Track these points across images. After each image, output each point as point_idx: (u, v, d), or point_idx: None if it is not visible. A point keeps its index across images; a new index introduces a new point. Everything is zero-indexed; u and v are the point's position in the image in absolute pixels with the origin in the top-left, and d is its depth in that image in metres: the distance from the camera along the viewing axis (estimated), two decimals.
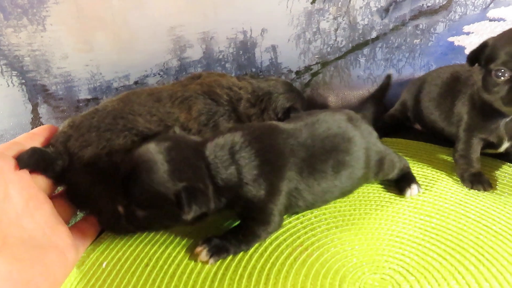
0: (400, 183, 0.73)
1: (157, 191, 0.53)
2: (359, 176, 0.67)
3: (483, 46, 0.70)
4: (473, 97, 0.76)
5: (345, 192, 0.69)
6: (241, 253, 0.61)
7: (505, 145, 0.77)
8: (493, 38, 0.70)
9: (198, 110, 0.70)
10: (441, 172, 0.80)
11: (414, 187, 0.71)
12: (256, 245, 0.62)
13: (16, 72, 0.77)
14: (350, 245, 0.61)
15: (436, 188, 0.74)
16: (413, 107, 0.90)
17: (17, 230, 0.49)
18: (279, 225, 0.63)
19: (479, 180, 0.73)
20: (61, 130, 0.62)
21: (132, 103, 0.66)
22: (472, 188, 0.73)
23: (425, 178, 0.78)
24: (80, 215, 0.66)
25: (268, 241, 0.63)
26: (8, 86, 0.77)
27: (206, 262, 0.58)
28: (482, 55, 0.70)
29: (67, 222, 0.60)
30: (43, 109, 0.82)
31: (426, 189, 0.74)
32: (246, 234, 0.61)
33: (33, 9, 0.72)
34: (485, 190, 0.72)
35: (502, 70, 0.66)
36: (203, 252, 0.58)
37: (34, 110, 0.82)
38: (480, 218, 0.66)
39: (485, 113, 0.73)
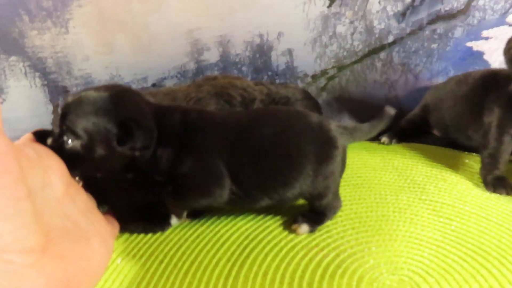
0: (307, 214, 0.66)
1: (99, 116, 0.49)
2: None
3: None
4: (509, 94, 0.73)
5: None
6: (256, 252, 0.60)
7: None
8: None
9: (210, 104, 0.73)
10: (460, 175, 0.78)
11: (304, 225, 0.64)
12: (271, 245, 0.62)
13: (39, 73, 0.79)
14: (367, 246, 0.60)
15: (456, 191, 0.73)
16: (435, 112, 0.89)
17: (60, 219, 0.45)
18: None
19: (502, 184, 0.71)
20: None
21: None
22: (494, 191, 0.71)
23: (444, 182, 0.76)
24: None
25: (283, 242, 0.62)
26: (31, 87, 0.79)
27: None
28: None
29: None
30: None
31: (445, 192, 0.73)
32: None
33: (57, 12, 0.75)
34: (508, 194, 0.70)
35: None
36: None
37: (55, 111, 0.84)
38: (503, 221, 0.64)
39: None
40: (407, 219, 0.66)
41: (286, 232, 0.64)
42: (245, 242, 0.62)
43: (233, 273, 0.56)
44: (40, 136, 0.49)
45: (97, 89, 0.52)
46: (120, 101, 0.51)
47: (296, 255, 0.59)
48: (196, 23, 0.80)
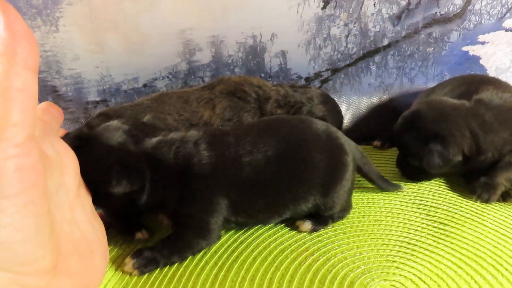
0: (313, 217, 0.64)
1: (92, 162, 0.49)
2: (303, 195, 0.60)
3: None
4: None
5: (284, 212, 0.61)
6: (244, 256, 0.58)
7: None
8: None
9: (222, 107, 0.73)
10: (455, 180, 0.76)
11: (307, 222, 0.63)
12: (260, 248, 0.60)
13: None
14: (359, 251, 0.58)
15: (450, 196, 0.71)
16: None
17: (70, 228, 0.41)
18: (218, 238, 0.58)
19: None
20: (96, 115, 0.66)
21: (164, 104, 0.71)
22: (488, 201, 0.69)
23: (439, 186, 0.74)
24: None
25: (272, 245, 0.60)
26: None
27: (131, 274, 0.54)
28: None
29: None
30: None
31: (439, 197, 0.71)
32: (179, 243, 0.56)
33: (47, 10, 0.73)
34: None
35: None
36: (129, 263, 0.54)
37: None
38: (498, 227, 0.63)
39: None
40: (400, 224, 0.64)
41: (275, 236, 0.62)
42: (234, 245, 0.61)
43: (220, 277, 0.54)
44: None
45: (101, 129, 0.53)
46: (107, 146, 0.51)
47: (285, 259, 0.57)
48: (188, 23, 0.79)
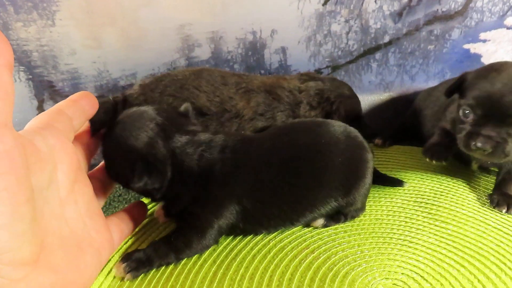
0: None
1: (118, 150, 0.52)
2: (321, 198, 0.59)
3: (462, 81, 0.68)
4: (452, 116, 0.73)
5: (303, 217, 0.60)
6: (243, 254, 0.57)
7: (474, 166, 0.75)
8: (472, 73, 0.67)
9: (257, 102, 0.72)
10: (457, 178, 0.76)
11: (321, 220, 0.62)
12: (260, 246, 0.59)
13: (23, 67, 0.77)
14: (360, 249, 0.57)
15: (452, 195, 0.70)
16: (422, 117, 0.88)
17: (58, 224, 0.41)
18: (215, 243, 0.57)
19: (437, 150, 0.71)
20: (132, 88, 0.68)
21: (201, 79, 0.70)
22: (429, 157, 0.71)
23: (440, 185, 0.74)
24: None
25: (272, 243, 0.59)
26: (15, 81, 0.77)
27: (123, 278, 0.52)
28: (461, 88, 0.68)
29: (101, 205, 0.54)
30: (48, 106, 0.81)
31: (441, 195, 0.70)
32: (179, 240, 0.55)
33: (43, 3, 0.72)
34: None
35: (466, 112, 0.64)
36: (120, 268, 0.52)
37: (40, 107, 0.81)
38: (501, 225, 0.62)
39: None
40: (402, 222, 0.63)
41: (275, 233, 0.61)
42: (233, 243, 0.60)
43: (219, 275, 0.53)
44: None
45: (135, 116, 0.53)
46: (135, 140, 0.51)
47: (285, 257, 0.56)
48: (187, 18, 0.78)
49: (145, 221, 0.64)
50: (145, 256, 0.53)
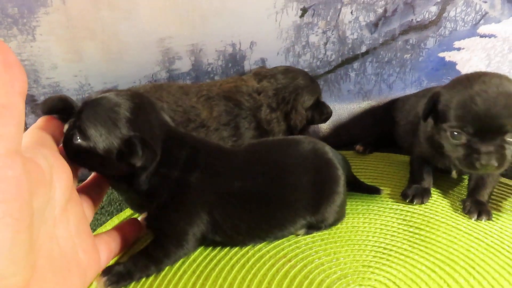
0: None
1: (108, 127, 0.49)
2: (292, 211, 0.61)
3: (434, 101, 0.67)
4: (428, 133, 0.73)
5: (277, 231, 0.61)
6: (222, 264, 0.58)
7: (454, 174, 0.77)
8: (443, 93, 0.66)
9: (219, 111, 0.74)
10: (432, 186, 0.78)
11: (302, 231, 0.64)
12: (238, 255, 0.60)
13: None
14: (336, 257, 0.59)
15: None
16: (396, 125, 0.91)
17: (50, 243, 0.40)
18: (195, 248, 0.59)
19: (421, 194, 0.72)
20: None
21: (162, 91, 0.72)
22: (412, 201, 0.71)
23: None
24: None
25: (251, 252, 0.61)
26: None
27: None
28: (434, 111, 0.68)
29: (89, 223, 0.52)
30: (30, 120, 0.81)
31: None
32: (157, 251, 0.56)
33: (23, 19, 0.73)
34: (422, 203, 0.71)
35: (456, 133, 0.64)
36: (100, 281, 0.52)
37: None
38: (472, 231, 0.64)
39: (438, 150, 0.71)
40: (377, 229, 0.65)
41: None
42: (212, 253, 0.61)
43: (197, 286, 0.54)
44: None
45: (119, 95, 0.51)
46: (133, 116, 0.50)
47: (263, 266, 0.58)
48: (167, 31, 0.79)
49: None
50: (125, 269, 0.54)
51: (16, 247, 0.31)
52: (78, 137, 0.49)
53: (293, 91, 0.78)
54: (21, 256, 0.32)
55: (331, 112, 0.85)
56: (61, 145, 0.51)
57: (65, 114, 0.54)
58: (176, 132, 0.57)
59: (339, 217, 0.65)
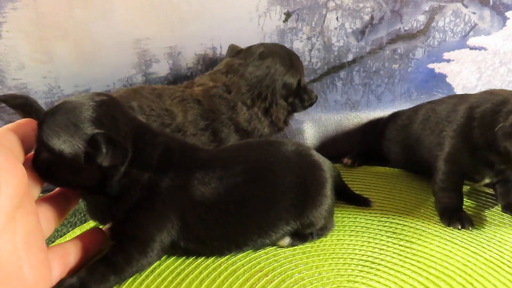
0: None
1: (69, 131, 0.45)
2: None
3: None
4: (468, 134, 0.67)
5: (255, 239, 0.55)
6: (190, 278, 0.52)
7: (486, 181, 0.71)
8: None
9: (194, 114, 0.69)
10: (422, 197, 0.72)
11: (287, 238, 0.58)
12: (209, 269, 0.54)
13: None
14: (318, 271, 0.53)
15: (417, 213, 0.67)
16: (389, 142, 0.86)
17: None
18: (158, 258, 0.53)
19: (458, 217, 0.63)
20: None
21: (136, 94, 0.66)
22: (448, 225, 0.63)
23: (405, 203, 0.70)
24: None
25: (224, 266, 0.54)
26: None
27: None
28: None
29: (47, 236, 0.48)
30: None
31: (407, 214, 0.67)
32: (117, 256, 0.50)
33: None
34: (463, 227, 0.62)
35: None
36: None
37: None
38: (469, 244, 0.58)
39: (480, 152, 0.65)
40: (364, 242, 0.59)
41: (228, 255, 0.56)
42: (180, 267, 0.54)
43: None
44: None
45: (79, 96, 0.48)
46: (95, 114, 0.46)
47: (236, 281, 0.51)
48: (144, 32, 0.75)
49: None
50: (78, 280, 0.47)
51: None
52: (43, 152, 0.45)
53: (270, 84, 0.72)
54: None
55: (316, 98, 0.79)
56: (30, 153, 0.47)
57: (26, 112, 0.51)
58: (148, 128, 0.53)
59: (327, 224, 0.60)
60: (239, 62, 0.74)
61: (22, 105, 0.60)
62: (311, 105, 0.79)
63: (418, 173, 0.80)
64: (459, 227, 0.62)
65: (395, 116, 0.88)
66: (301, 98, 0.77)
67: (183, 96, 0.69)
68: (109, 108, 0.48)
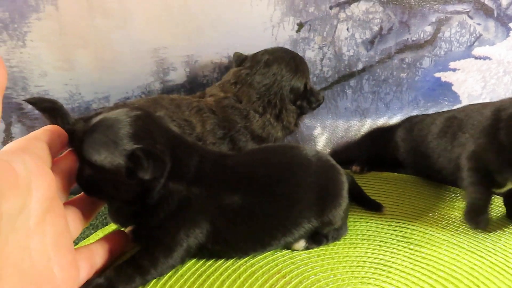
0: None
1: (109, 148, 0.47)
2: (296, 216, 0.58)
3: None
4: (495, 135, 0.67)
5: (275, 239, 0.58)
6: (211, 280, 0.55)
7: (509, 186, 0.70)
8: None
9: (212, 124, 0.71)
10: (430, 203, 0.75)
11: (301, 241, 0.61)
12: (229, 271, 0.56)
13: None
14: (333, 273, 0.55)
15: (426, 218, 0.70)
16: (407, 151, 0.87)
17: (21, 255, 0.37)
18: (183, 262, 0.55)
19: (482, 217, 0.64)
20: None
21: (156, 105, 0.68)
22: (475, 228, 0.65)
23: (414, 208, 0.73)
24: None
25: (243, 268, 0.57)
26: None
27: None
28: None
29: (74, 237, 0.50)
30: (16, 129, 0.78)
31: (416, 219, 0.69)
32: (144, 259, 0.52)
33: (14, 24, 0.71)
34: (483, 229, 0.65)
35: None
36: None
37: (7, 129, 0.78)
38: (475, 249, 0.61)
39: (506, 154, 0.65)
40: (376, 246, 0.62)
41: (246, 258, 0.59)
42: (202, 269, 0.57)
43: None
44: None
45: (115, 114, 0.50)
46: (133, 130, 0.48)
47: (256, 282, 0.54)
48: (162, 41, 0.78)
49: None
50: (106, 281, 0.50)
51: None
52: (86, 169, 0.49)
53: (278, 91, 0.75)
54: None
55: (323, 99, 0.80)
56: (59, 156, 0.50)
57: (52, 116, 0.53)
58: (182, 138, 0.56)
59: (343, 225, 0.63)
60: (246, 72, 0.75)
61: (49, 108, 0.62)
62: (319, 105, 0.80)
63: (437, 181, 0.81)
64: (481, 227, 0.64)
65: (406, 122, 0.89)
66: (308, 100, 0.79)
67: (199, 106, 0.72)
68: (145, 122, 0.50)
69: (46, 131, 0.47)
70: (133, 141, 0.48)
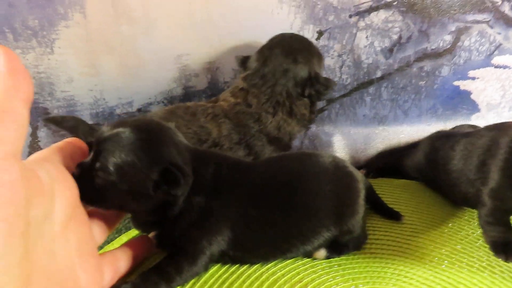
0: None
1: (139, 162, 0.47)
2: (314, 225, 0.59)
3: None
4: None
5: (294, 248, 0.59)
6: (235, 286, 0.56)
7: None
8: None
9: (228, 129, 0.73)
10: (449, 212, 0.75)
11: (322, 250, 0.61)
12: (252, 278, 0.58)
13: None
14: (354, 284, 0.56)
15: (446, 229, 0.70)
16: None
17: (46, 259, 0.38)
18: (206, 269, 0.56)
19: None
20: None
21: (174, 115, 0.71)
22: (506, 260, 0.63)
23: (433, 218, 0.73)
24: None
25: (265, 275, 0.58)
26: None
27: None
28: None
29: (100, 243, 0.51)
30: (42, 133, 0.80)
31: (435, 230, 0.70)
32: (169, 267, 0.53)
33: (43, 31, 0.73)
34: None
35: None
36: None
37: (34, 133, 0.80)
38: (492, 262, 0.61)
39: None
40: (396, 257, 0.63)
41: (268, 265, 0.60)
42: (224, 276, 0.58)
43: None
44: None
45: (136, 125, 0.49)
46: (162, 143, 0.49)
47: None
48: (184, 48, 0.80)
49: None
50: (132, 287, 0.52)
51: (8, 253, 0.30)
52: (103, 177, 0.47)
53: (283, 90, 0.74)
54: (14, 264, 0.31)
55: (333, 83, 0.76)
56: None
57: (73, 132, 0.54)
58: (198, 151, 0.57)
59: (362, 234, 0.64)
60: (251, 76, 0.75)
61: (72, 127, 0.64)
62: (328, 91, 0.76)
63: (460, 205, 0.79)
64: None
65: (426, 145, 0.86)
66: (316, 88, 0.76)
67: (214, 112, 0.73)
68: (169, 136, 0.51)
69: (68, 143, 0.48)
70: (165, 156, 0.49)
